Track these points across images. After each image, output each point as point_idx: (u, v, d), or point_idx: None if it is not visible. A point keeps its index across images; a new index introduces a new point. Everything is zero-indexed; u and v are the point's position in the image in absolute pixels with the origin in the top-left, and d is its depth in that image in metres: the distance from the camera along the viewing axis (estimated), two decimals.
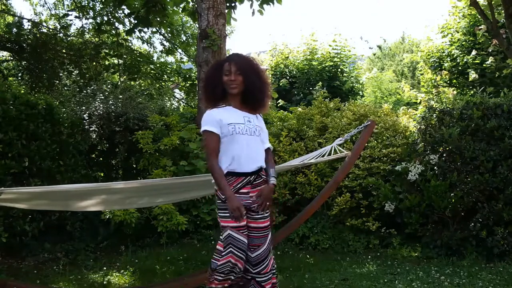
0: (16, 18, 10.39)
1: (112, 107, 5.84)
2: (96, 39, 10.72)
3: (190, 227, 5.40)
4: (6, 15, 11.03)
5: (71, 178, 5.07)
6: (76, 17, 10.36)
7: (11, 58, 10.50)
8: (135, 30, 9.42)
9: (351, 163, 4.03)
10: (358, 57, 11.83)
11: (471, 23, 8.17)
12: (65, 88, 6.78)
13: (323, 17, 70.37)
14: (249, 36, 55.47)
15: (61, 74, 7.71)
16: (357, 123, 5.39)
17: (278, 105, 9.27)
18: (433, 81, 8.45)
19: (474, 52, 7.75)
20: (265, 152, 2.87)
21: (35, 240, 4.81)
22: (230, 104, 2.81)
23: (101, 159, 6.23)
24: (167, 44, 11.20)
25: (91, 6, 10.65)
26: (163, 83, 10.68)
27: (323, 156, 3.99)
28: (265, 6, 8.01)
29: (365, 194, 5.18)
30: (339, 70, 10.27)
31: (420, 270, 4.22)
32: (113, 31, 10.60)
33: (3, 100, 4.52)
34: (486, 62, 7.50)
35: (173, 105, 9.12)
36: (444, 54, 8.51)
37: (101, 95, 6.06)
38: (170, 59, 12.17)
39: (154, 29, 10.52)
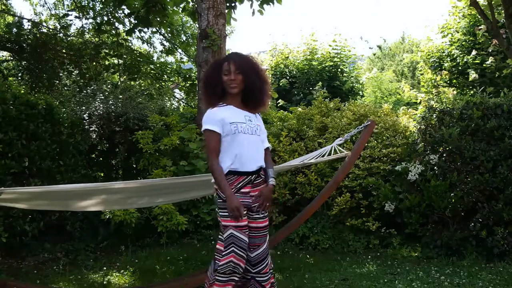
0: (16, 18, 10.40)
1: (112, 107, 5.84)
2: (96, 39, 10.73)
3: (190, 227, 5.40)
4: (6, 15, 11.03)
5: (71, 178, 5.07)
6: (76, 17, 10.39)
7: (11, 58, 10.51)
8: (135, 30, 9.43)
9: (351, 163, 4.03)
10: (358, 57, 11.83)
11: (471, 23, 8.17)
12: (65, 88, 6.77)
13: (323, 17, 70.45)
14: (249, 36, 55.53)
15: (61, 74, 7.71)
16: (357, 123, 5.39)
17: (278, 105, 9.27)
18: (433, 81, 8.45)
19: (474, 52, 7.75)
20: (264, 151, 2.87)
21: (35, 240, 4.81)
22: (231, 103, 2.80)
23: (101, 159, 6.23)
24: (167, 44, 11.21)
25: (91, 6, 10.66)
26: (163, 83, 10.68)
27: (323, 156, 3.99)
28: (265, 6, 8.02)
29: (365, 194, 5.18)
30: (339, 70, 10.27)
31: (420, 270, 4.22)
32: (113, 31, 10.60)
33: (3, 100, 4.52)
34: (486, 62, 7.50)
35: (173, 105, 9.12)
36: (444, 54, 8.51)
37: (101, 95, 6.06)
38: (170, 59, 12.20)
39: (154, 29, 10.52)
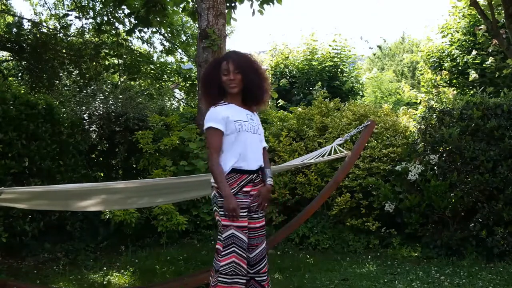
0: (16, 18, 10.40)
1: (112, 107, 5.84)
2: (96, 39, 10.72)
3: (190, 227, 5.40)
4: (6, 15, 11.03)
5: (71, 178, 5.07)
6: (76, 17, 10.38)
7: (11, 58, 10.50)
8: (135, 30, 9.43)
9: (351, 163, 4.02)
10: (358, 57, 11.83)
11: (471, 23, 8.17)
12: (65, 88, 6.77)
13: (323, 17, 70.43)
14: (249, 36, 55.51)
15: (61, 74, 7.70)
16: (357, 123, 5.39)
17: (278, 105, 9.26)
18: (433, 81, 8.45)
19: (474, 52, 7.75)
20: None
21: (35, 240, 4.81)
22: (231, 102, 2.78)
23: (101, 159, 6.23)
24: (167, 44, 11.21)
25: (91, 6, 10.66)
26: (163, 83, 10.68)
27: (323, 156, 3.99)
28: (265, 6, 8.03)
29: (365, 194, 5.18)
30: (339, 70, 10.27)
31: (420, 270, 4.22)
32: (113, 31, 10.60)
33: (3, 100, 4.52)
34: (486, 62, 7.50)
35: (173, 105, 9.12)
36: (444, 54, 8.51)
37: (101, 95, 6.06)
38: (170, 59, 12.20)
39: (154, 29, 10.53)
